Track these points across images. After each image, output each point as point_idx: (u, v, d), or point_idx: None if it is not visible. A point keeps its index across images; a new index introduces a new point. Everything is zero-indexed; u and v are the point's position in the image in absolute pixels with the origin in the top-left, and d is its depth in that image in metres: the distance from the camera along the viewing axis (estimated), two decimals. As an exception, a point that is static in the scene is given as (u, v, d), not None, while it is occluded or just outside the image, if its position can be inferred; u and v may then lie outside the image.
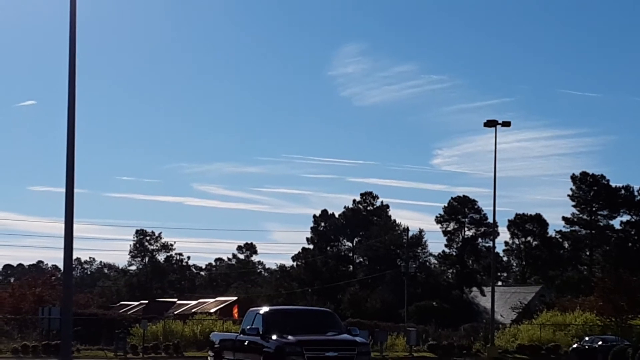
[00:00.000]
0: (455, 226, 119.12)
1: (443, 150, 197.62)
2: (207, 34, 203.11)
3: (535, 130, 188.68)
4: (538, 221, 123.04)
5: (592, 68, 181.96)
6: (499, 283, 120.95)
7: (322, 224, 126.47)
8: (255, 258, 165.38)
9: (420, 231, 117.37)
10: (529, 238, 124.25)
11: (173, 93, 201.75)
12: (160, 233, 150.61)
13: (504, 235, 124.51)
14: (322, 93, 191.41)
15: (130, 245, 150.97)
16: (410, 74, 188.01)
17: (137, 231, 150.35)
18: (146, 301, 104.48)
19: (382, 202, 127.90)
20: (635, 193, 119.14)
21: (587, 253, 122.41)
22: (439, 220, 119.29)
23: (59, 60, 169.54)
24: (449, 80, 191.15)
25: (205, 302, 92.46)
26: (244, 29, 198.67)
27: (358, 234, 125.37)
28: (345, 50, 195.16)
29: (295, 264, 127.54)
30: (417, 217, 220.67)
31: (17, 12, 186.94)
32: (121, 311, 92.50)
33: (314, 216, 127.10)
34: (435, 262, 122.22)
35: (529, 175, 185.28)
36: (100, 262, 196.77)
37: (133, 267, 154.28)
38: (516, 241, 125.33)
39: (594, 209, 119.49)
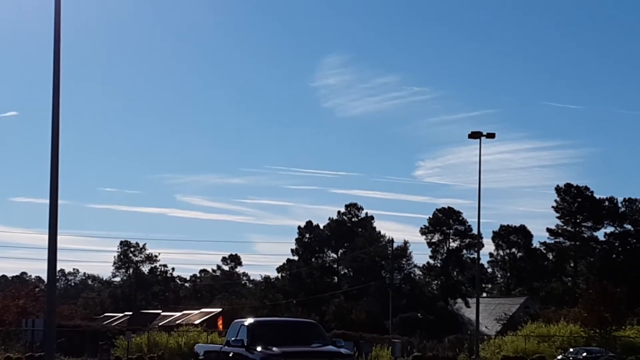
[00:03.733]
0: (440, 238, 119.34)
1: (425, 161, 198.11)
2: (190, 47, 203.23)
3: (518, 141, 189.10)
4: (522, 233, 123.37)
5: (574, 80, 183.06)
6: (484, 294, 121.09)
7: (307, 235, 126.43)
8: (239, 269, 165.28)
9: (405, 243, 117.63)
10: (513, 249, 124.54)
11: (156, 104, 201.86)
12: (145, 244, 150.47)
13: (488, 246, 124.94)
14: (305, 104, 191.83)
15: (115, 256, 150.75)
16: (393, 86, 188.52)
17: (121, 242, 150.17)
18: (130, 313, 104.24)
19: (366, 213, 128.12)
20: (619, 205, 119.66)
21: (572, 264, 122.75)
22: (423, 231, 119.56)
23: (41, 70, 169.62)
24: (431, 91, 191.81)
25: (189, 314, 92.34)
26: (226, 41, 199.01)
27: (343, 245, 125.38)
28: (328, 61, 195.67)
29: (279, 275, 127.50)
30: (400, 228, 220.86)
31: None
32: (105, 323, 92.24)
33: (299, 227, 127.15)
34: (420, 273, 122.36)
35: (511, 186, 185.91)
36: (84, 273, 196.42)
37: (117, 279, 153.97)
38: (501, 252, 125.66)
39: (578, 220, 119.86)
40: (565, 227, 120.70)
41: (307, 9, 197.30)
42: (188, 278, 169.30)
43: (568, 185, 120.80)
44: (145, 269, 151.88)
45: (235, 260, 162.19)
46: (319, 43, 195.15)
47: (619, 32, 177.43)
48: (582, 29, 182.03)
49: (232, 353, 26.93)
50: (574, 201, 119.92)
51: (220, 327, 73.93)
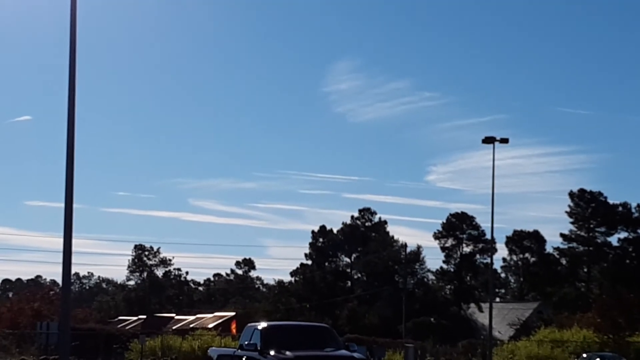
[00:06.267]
0: (453, 242, 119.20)
1: (437, 166, 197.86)
2: (202, 52, 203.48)
3: (529, 147, 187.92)
4: (536, 238, 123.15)
5: (584, 86, 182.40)
6: (497, 299, 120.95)
7: (321, 239, 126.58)
8: (253, 273, 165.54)
9: (418, 247, 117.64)
10: (526, 254, 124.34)
11: (169, 109, 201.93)
12: (159, 248, 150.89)
13: (501, 251, 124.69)
14: (317, 109, 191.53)
15: (129, 260, 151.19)
16: (404, 91, 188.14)
17: (135, 246, 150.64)
18: (144, 316, 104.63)
19: (379, 218, 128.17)
20: (633, 210, 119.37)
21: (585, 270, 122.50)
22: (437, 236, 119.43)
23: (54, 75, 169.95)
24: (442, 97, 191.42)
25: (203, 318, 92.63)
26: (238, 46, 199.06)
27: (356, 249, 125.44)
28: (339, 66, 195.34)
29: (293, 279, 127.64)
30: (413, 233, 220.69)
31: (11, 27, 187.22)
32: (119, 326, 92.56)
33: (313, 232, 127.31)
34: (433, 278, 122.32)
35: (523, 191, 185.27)
36: (99, 277, 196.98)
37: (131, 282, 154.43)
38: (514, 258, 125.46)
39: (591, 225, 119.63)
40: (578, 232, 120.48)
41: (319, 15, 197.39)
42: (202, 282, 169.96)
43: (582, 191, 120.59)
44: (160, 272, 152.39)
45: (248, 264, 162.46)
46: (331, 48, 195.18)
47: (629, 38, 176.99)
48: (592, 34, 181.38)
49: (245, 357, 27.07)
50: (587, 206, 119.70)
51: (234, 330, 74.11)
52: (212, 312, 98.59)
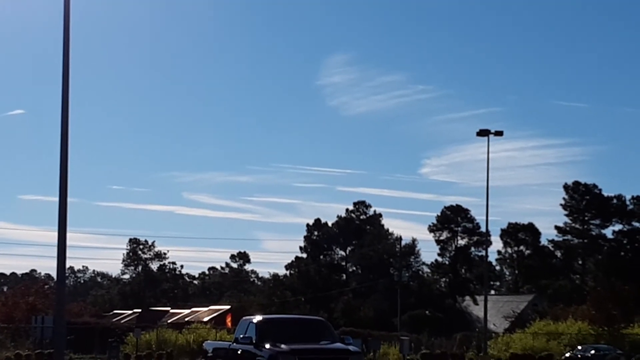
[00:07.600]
0: (448, 235, 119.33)
1: (431, 159, 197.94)
2: (196, 46, 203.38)
3: (523, 139, 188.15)
4: (531, 230, 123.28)
5: (580, 78, 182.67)
6: (492, 292, 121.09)
7: (315, 233, 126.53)
8: (248, 267, 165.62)
9: (413, 240, 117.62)
10: (521, 247, 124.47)
11: (163, 103, 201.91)
12: (154, 242, 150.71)
13: (496, 244, 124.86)
14: (311, 103, 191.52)
15: (124, 254, 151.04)
16: (398, 84, 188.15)
17: (130, 240, 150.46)
18: (139, 310, 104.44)
19: (374, 211, 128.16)
20: (627, 202, 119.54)
21: (580, 262, 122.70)
22: (431, 229, 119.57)
23: (47, 68, 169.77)
24: (436, 90, 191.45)
25: (198, 311, 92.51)
26: (232, 40, 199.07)
27: (351, 243, 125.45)
28: (333, 60, 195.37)
29: (288, 272, 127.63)
30: (408, 226, 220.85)
31: (4, 21, 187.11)
32: (114, 320, 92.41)
33: (307, 225, 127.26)
34: (428, 271, 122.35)
35: (518, 184, 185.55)
36: (94, 270, 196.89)
37: (126, 276, 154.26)
38: (509, 250, 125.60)
39: (586, 218, 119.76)
40: (573, 224, 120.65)
41: (313, 8, 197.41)
42: (197, 275, 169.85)
43: (576, 183, 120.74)
44: (154, 266, 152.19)
45: (243, 257, 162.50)
46: (325, 41, 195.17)
47: (625, 30, 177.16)
48: (587, 27, 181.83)
49: (240, 350, 27.05)
50: (582, 199, 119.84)
51: (229, 324, 74.10)
52: (207, 306, 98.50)
